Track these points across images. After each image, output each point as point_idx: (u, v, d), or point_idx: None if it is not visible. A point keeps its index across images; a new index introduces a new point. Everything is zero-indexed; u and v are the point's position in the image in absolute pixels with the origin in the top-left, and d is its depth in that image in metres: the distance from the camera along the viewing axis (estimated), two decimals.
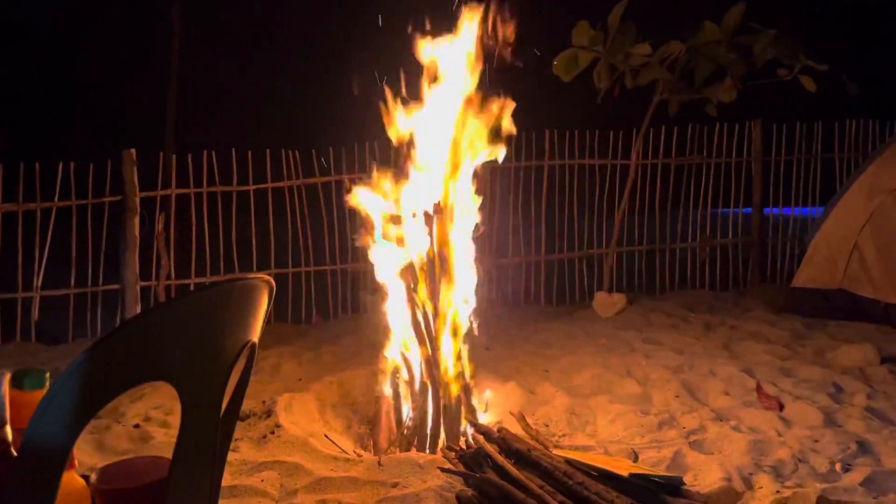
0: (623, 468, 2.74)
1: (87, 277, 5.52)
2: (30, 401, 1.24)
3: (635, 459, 3.08)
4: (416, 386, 3.24)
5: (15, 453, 1.13)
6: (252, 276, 1.16)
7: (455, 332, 3.30)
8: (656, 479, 2.68)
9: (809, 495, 2.66)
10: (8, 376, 1.15)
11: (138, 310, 5.44)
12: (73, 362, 0.92)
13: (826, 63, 5.80)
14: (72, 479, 1.21)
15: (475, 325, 3.42)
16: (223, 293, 1.13)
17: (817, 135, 7.06)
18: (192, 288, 5.71)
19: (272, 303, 1.32)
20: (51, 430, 0.91)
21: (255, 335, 1.30)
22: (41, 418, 0.91)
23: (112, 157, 5.47)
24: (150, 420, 3.53)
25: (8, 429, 1.15)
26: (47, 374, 1.26)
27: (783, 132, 7.00)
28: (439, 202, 3.31)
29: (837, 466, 3.00)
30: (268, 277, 1.22)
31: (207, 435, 1.21)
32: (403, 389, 3.28)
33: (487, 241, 6.33)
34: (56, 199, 5.41)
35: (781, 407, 3.66)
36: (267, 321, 1.34)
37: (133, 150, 5.46)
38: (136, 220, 5.45)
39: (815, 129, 7.04)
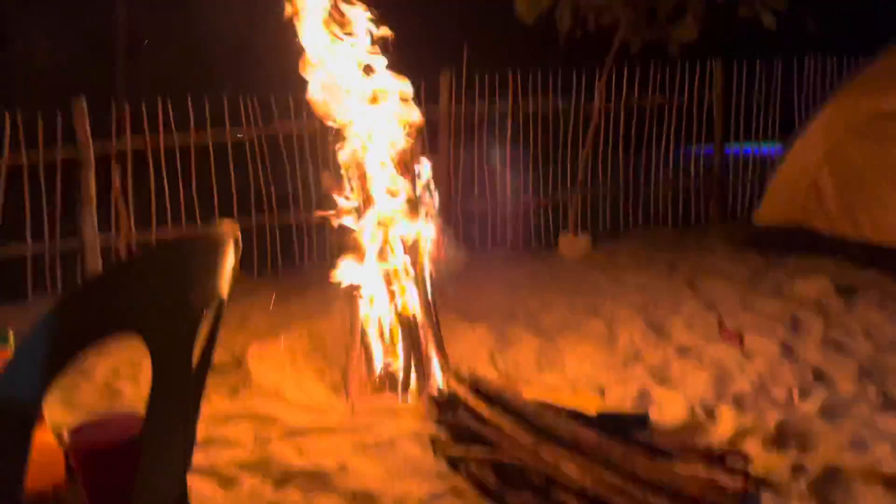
0: (591, 406, 2.82)
1: (43, 235, 5.37)
2: None
3: (603, 396, 3.16)
4: (387, 332, 3.26)
5: None
6: (216, 229, 1.14)
7: (423, 277, 3.31)
8: (623, 416, 2.76)
9: (769, 424, 2.77)
10: None
11: (99, 266, 5.34)
12: (38, 320, 0.90)
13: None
14: (43, 438, 1.20)
15: (443, 270, 3.44)
16: (187, 247, 1.11)
17: (777, 72, 7.10)
18: (153, 241, 5.61)
19: (239, 254, 1.31)
20: (19, 388, 0.89)
21: (224, 290, 1.28)
22: (9, 377, 0.89)
23: (61, 107, 5.26)
24: (119, 375, 3.50)
25: None
26: (11, 332, 1.24)
27: (744, 70, 7.03)
28: (404, 152, 3.29)
29: (795, 395, 3.12)
30: (231, 227, 1.19)
31: (179, 388, 1.21)
32: (374, 336, 3.29)
33: (452, 186, 6.30)
34: (6, 153, 5.22)
35: (742, 340, 3.78)
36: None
37: (83, 99, 5.25)
38: (92, 175, 5.29)
39: (775, 67, 7.08)
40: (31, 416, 0.92)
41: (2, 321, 4.62)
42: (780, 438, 2.71)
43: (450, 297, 3.73)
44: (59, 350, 0.92)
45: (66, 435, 1.20)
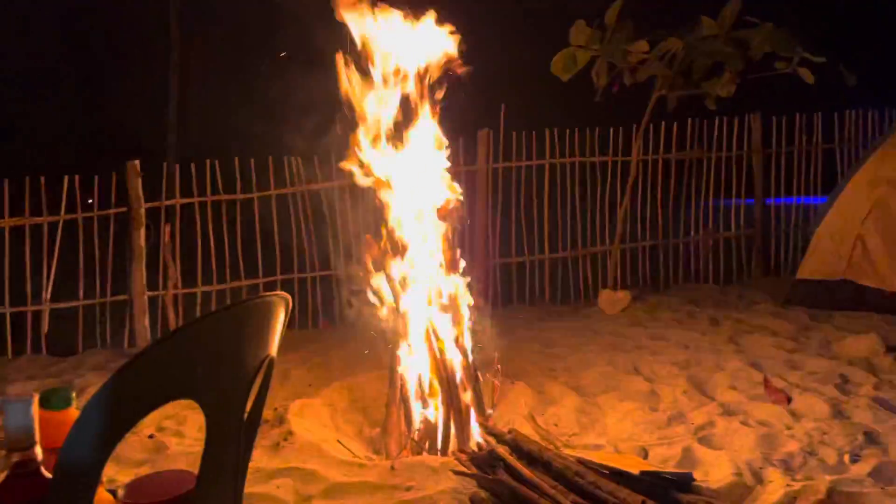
0: (633, 466, 2.77)
1: (94, 289, 5.56)
2: (57, 420, 1.28)
3: (645, 456, 3.11)
4: (426, 389, 3.27)
5: (45, 472, 1.16)
6: (269, 294, 1.20)
7: (462, 335, 3.33)
8: (667, 476, 2.71)
9: (819, 487, 2.68)
10: (36, 397, 1.18)
11: (146, 320, 5.48)
12: (102, 385, 0.95)
13: (823, 54, 5.81)
14: (100, 495, 1.25)
15: (481, 327, 3.46)
16: (242, 312, 1.16)
17: (817, 126, 7.08)
18: (199, 296, 5.75)
19: (288, 318, 1.36)
20: (84, 451, 0.94)
21: (273, 350, 1.33)
22: (74, 440, 0.94)
23: (116, 169, 5.51)
24: (164, 430, 3.56)
25: (38, 448, 1.18)
26: (73, 393, 1.30)
27: (783, 124, 7.02)
28: (443, 206, 3.36)
29: (846, 458, 3.03)
30: (285, 294, 1.25)
31: (231, 448, 1.25)
32: (413, 393, 3.30)
33: (490, 240, 6.36)
34: (62, 212, 5.45)
35: (789, 400, 3.69)
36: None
37: (137, 162, 5.50)
38: (142, 231, 5.48)
39: (815, 121, 7.06)
40: (94, 476, 0.97)
41: (53, 374, 4.80)
42: (831, 503, 2.62)
43: (488, 354, 3.75)
44: (120, 416, 0.97)
45: (120, 491, 1.24)
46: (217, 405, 1.11)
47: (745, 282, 6.85)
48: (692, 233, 6.94)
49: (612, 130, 6.64)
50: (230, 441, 1.18)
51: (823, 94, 6.55)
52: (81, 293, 5.52)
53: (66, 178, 5.40)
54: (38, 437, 1.18)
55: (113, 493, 1.28)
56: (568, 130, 6.55)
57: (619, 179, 6.63)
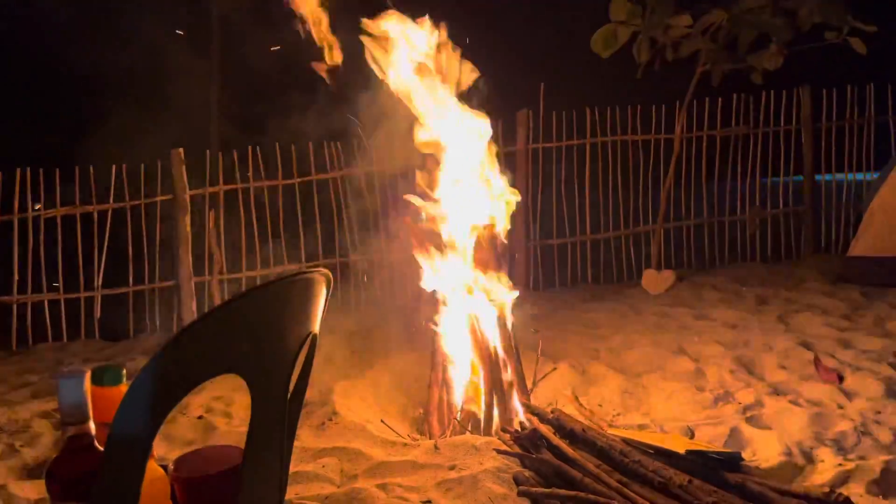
0: (679, 445, 2.74)
1: (143, 275, 5.70)
2: (109, 395, 1.31)
3: (691, 436, 3.07)
4: (468, 370, 3.27)
5: (98, 446, 1.20)
6: (311, 270, 1.21)
7: (504, 315, 3.32)
8: (714, 456, 2.67)
9: (873, 467, 2.62)
10: (88, 373, 1.22)
11: (193, 304, 5.60)
12: (150, 360, 0.97)
13: (876, 23, 5.60)
14: (152, 468, 1.28)
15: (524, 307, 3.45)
16: (285, 288, 1.17)
17: (869, 98, 6.83)
18: (243, 281, 5.85)
19: (330, 295, 1.37)
20: (134, 423, 0.97)
21: (316, 326, 1.34)
22: (125, 413, 0.96)
23: (161, 157, 5.62)
24: (213, 411, 3.64)
25: (91, 423, 1.21)
26: (123, 371, 1.33)
27: (833, 97, 6.80)
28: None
29: None
30: (326, 271, 1.26)
31: (276, 423, 1.27)
32: (455, 374, 3.31)
33: (531, 222, 6.32)
34: (111, 200, 5.59)
35: (841, 379, 3.60)
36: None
37: (181, 150, 5.60)
38: (188, 218, 5.59)
39: (867, 92, 6.82)
40: (145, 447, 0.99)
41: (106, 358, 4.94)
42: (886, 482, 2.55)
43: (531, 335, 3.73)
44: (167, 389, 0.99)
45: (171, 465, 1.27)
46: (261, 380, 1.12)
47: (794, 260, 6.69)
48: (738, 211, 6.79)
49: (654, 108, 6.52)
50: (275, 416, 1.20)
51: (876, 64, 6.32)
52: (131, 279, 5.66)
53: (113, 168, 5.54)
54: (90, 412, 1.22)
55: (164, 468, 1.32)
56: (609, 109, 6.45)
57: (662, 158, 6.51)
